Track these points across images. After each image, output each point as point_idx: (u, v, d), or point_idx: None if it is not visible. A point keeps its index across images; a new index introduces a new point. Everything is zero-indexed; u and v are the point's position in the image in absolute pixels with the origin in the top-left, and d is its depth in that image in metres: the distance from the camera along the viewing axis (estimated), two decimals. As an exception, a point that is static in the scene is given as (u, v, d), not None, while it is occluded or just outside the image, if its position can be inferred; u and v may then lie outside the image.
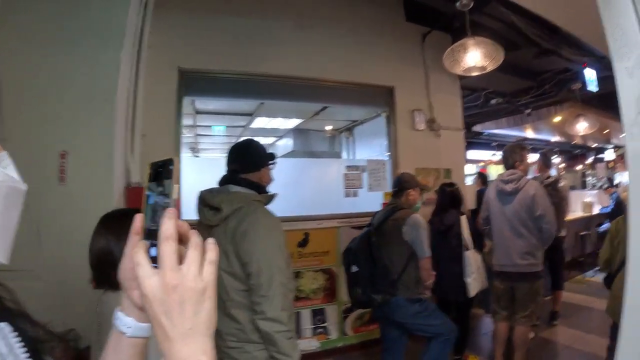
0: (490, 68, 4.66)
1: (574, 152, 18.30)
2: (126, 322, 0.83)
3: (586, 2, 2.32)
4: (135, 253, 0.71)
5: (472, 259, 4.56)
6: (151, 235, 0.73)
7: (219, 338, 2.35)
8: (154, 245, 0.71)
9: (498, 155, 14.91)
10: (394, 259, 3.88)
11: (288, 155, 9.08)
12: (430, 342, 3.85)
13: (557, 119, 9.72)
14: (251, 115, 7.78)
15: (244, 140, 2.79)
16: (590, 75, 7.13)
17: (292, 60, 5.39)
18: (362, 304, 4.10)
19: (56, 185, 3.04)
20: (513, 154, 4.48)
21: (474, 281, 4.54)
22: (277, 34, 5.33)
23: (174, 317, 0.67)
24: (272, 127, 8.88)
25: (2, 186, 0.72)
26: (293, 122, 8.60)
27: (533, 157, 5.81)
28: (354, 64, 5.79)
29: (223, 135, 9.55)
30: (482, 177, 8.44)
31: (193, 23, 4.91)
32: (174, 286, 0.67)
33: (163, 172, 0.76)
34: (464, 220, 4.72)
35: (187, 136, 8.94)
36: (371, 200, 5.76)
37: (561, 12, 4.20)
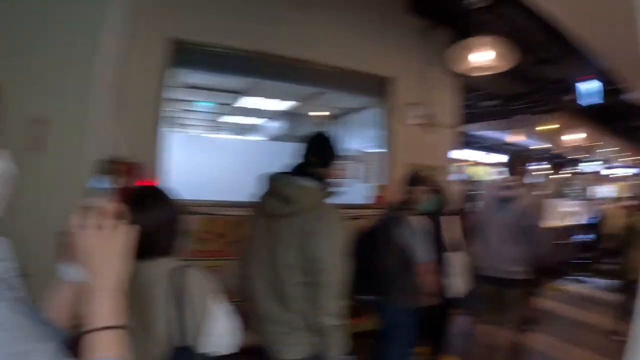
0: (495, 70, 4.59)
1: (555, 161, 18.49)
2: (64, 270, 1.17)
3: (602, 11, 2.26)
4: (74, 219, 1.01)
5: (456, 261, 4.45)
6: (89, 209, 1.02)
7: (270, 324, 2.51)
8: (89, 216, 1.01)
9: (485, 156, 15.03)
10: (386, 261, 3.71)
11: (279, 138, 8.96)
12: (390, 345, 3.78)
13: (547, 127, 9.77)
14: (243, 93, 7.59)
15: (320, 134, 2.77)
16: (584, 88, 7.13)
17: (289, 40, 5.21)
18: (360, 304, 3.89)
19: (30, 155, 2.76)
20: (518, 161, 4.44)
21: (455, 283, 4.44)
22: (278, 13, 5.14)
23: (94, 261, 0.99)
24: (265, 108, 8.66)
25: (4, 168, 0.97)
26: (286, 105, 8.38)
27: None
28: (352, 50, 5.64)
29: (209, 112, 9.36)
30: (469, 178, 8.44)
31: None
32: (94, 241, 0.99)
33: (106, 168, 1.17)
34: (453, 220, 4.62)
35: (171, 110, 8.63)
36: (360, 192, 5.67)
37: (576, 17, 4.10)
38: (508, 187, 4.31)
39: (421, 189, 3.93)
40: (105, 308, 0.97)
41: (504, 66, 4.57)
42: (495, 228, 4.33)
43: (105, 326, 0.95)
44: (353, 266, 3.62)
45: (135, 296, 1.58)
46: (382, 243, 3.72)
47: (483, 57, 4.48)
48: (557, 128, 9.81)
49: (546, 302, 7.14)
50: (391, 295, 3.64)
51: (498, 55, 4.50)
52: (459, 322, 5.06)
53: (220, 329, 1.81)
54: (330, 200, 2.53)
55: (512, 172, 4.41)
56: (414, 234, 3.68)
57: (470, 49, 4.47)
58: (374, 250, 3.74)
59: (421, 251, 3.66)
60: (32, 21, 2.79)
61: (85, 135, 2.89)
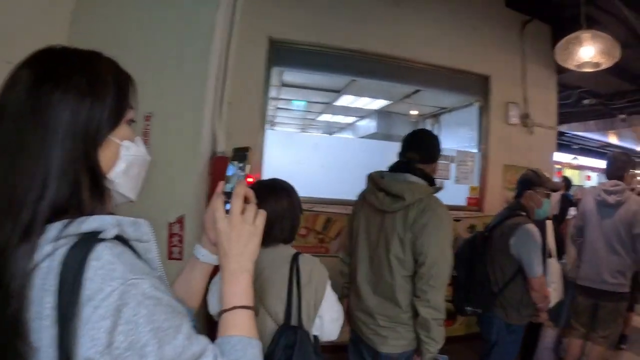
0: (605, 65, 4.38)
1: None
2: (202, 252, 1.26)
3: None
4: (216, 203, 1.10)
5: (554, 268, 4.19)
6: (228, 195, 1.10)
7: (371, 317, 2.58)
8: (228, 202, 1.09)
9: (579, 159, 14.44)
10: (496, 271, 3.44)
11: (369, 137, 8.94)
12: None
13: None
14: (338, 92, 7.60)
15: (424, 131, 2.96)
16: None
17: (386, 38, 5.18)
18: (458, 311, 3.68)
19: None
20: (623, 163, 4.16)
21: (554, 291, 4.21)
22: (372, 10, 5.12)
23: (232, 244, 1.06)
24: (356, 106, 8.65)
25: (138, 158, 1.04)
26: (379, 103, 8.35)
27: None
28: (449, 47, 5.54)
29: (301, 111, 9.47)
30: (566, 181, 8.11)
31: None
32: (235, 226, 1.06)
33: (242, 155, 1.16)
34: (549, 225, 4.36)
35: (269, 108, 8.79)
36: (457, 193, 5.57)
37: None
38: (615, 192, 4.04)
39: (542, 192, 3.55)
40: (239, 289, 1.05)
41: (610, 61, 4.36)
42: (600, 235, 4.08)
43: (239, 306, 1.03)
44: (460, 274, 3.56)
45: (257, 279, 1.86)
46: (497, 252, 3.45)
47: (592, 51, 4.29)
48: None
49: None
50: (500, 309, 3.39)
51: (604, 50, 4.30)
52: (548, 335, 4.90)
53: (332, 314, 1.98)
54: (436, 196, 2.55)
55: (617, 176, 4.12)
56: (534, 245, 3.31)
57: (581, 43, 4.28)
58: (484, 259, 3.50)
59: (538, 264, 3.29)
60: (148, 22, 2.96)
61: (196, 129, 3.05)
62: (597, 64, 4.37)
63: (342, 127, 11.16)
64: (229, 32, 3.46)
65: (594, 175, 17.29)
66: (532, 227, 3.33)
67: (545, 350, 5.20)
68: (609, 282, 3.98)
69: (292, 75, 6.61)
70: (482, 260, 3.48)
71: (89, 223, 0.84)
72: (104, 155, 0.95)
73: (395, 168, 2.67)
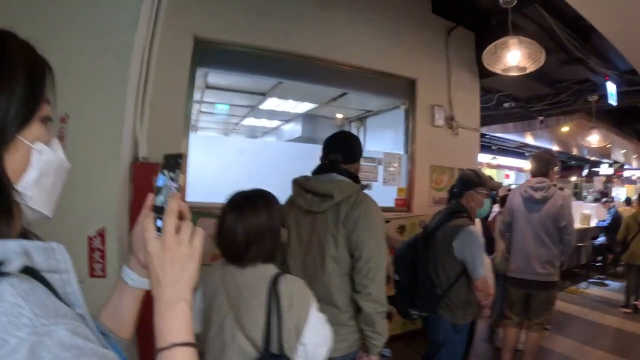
0: (530, 69, 4.51)
1: (569, 163, 18.42)
2: (131, 275, 1.08)
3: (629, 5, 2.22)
4: (145, 222, 0.94)
5: (486, 263, 4.29)
6: (159, 210, 0.96)
7: None
8: (159, 218, 0.94)
9: (498, 159, 14.96)
10: (440, 273, 3.41)
11: (294, 140, 8.86)
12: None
13: (565, 128, 9.71)
14: (264, 95, 7.40)
15: (344, 132, 2.95)
16: (611, 88, 7.10)
17: (313, 40, 5.11)
18: (403, 315, 3.64)
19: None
20: (547, 162, 4.41)
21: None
22: (300, 11, 5.03)
23: (166, 270, 0.90)
24: (282, 110, 8.48)
25: (54, 164, 0.87)
26: (304, 107, 8.25)
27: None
28: (377, 51, 5.55)
29: (225, 114, 9.23)
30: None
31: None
32: (169, 248, 0.90)
33: (174, 163, 0.99)
34: (477, 223, 4.42)
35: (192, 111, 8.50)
36: (385, 195, 5.53)
37: (601, 12, 4.03)
38: (541, 188, 4.29)
39: (482, 192, 3.57)
40: (176, 323, 0.89)
41: (535, 65, 4.49)
42: (529, 229, 4.34)
43: (178, 343, 0.87)
44: (402, 277, 3.53)
45: (235, 300, 1.86)
46: (440, 254, 3.41)
47: (519, 56, 4.39)
48: (577, 129, 9.76)
49: (565, 304, 7.49)
50: (445, 310, 3.37)
51: (530, 54, 4.42)
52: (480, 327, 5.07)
53: (317, 339, 1.89)
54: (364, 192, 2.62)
55: (543, 173, 4.38)
56: (477, 247, 3.32)
57: (508, 48, 4.38)
58: (427, 261, 3.44)
59: (481, 265, 3.29)
60: (64, 17, 2.66)
61: (116, 133, 2.81)
62: (523, 68, 4.50)
63: (266, 132, 11.02)
64: (153, 28, 3.22)
65: (511, 174, 18.14)
66: (474, 229, 3.38)
67: (481, 341, 5.33)
68: (540, 273, 4.26)
69: (216, 77, 6.38)
70: (425, 263, 3.44)
71: None
72: (10, 161, 0.76)
73: (319, 170, 2.72)
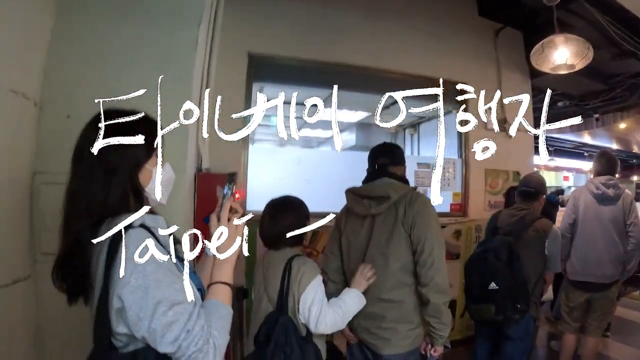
0: (579, 67, 4.48)
1: (630, 162, 17.77)
2: (209, 249, 1.58)
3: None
4: (212, 216, 1.59)
5: None
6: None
7: (368, 320, 2.68)
8: None
9: (556, 160, 14.60)
10: (531, 272, 3.54)
11: (349, 149, 8.93)
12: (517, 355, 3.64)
13: (623, 125, 9.43)
14: (314, 106, 7.43)
15: (385, 142, 3.12)
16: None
17: (362, 51, 5.25)
18: (491, 323, 3.52)
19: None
20: (614, 160, 4.37)
21: None
22: (349, 23, 5.19)
23: (222, 245, 1.50)
24: (335, 119, 8.46)
25: (164, 177, 1.47)
26: (358, 116, 8.37)
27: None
28: (425, 57, 5.60)
29: (281, 126, 9.36)
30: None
31: (263, 8, 4.79)
32: (224, 231, 1.50)
33: (230, 179, 1.67)
34: None
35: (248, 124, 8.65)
36: (437, 200, 5.53)
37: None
38: (612, 186, 4.19)
39: (544, 197, 3.88)
40: (223, 272, 1.54)
41: (583, 62, 4.46)
42: (597, 230, 4.20)
43: (222, 281, 1.53)
44: (502, 284, 3.49)
45: (266, 273, 2.57)
46: (533, 253, 3.60)
47: (567, 53, 4.38)
48: (635, 125, 9.48)
49: (626, 310, 6.93)
50: (532, 306, 3.51)
51: (577, 52, 4.39)
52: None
53: (307, 303, 2.39)
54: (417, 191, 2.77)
55: (609, 172, 4.29)
56: (559, 244, 3.69)
57: (555, 46, 4.36)
58: (519, 263, 3.41)
59: (560, 260, 3.74)
60: (130, 41, 2.87)
61: (182, 149, 3.00)
62: (571, 66, 4.47)
63: (321, 142, 11.12)
64: (210, 48, 3.44)
65: (570, 175, 17.59)
66: (558, 229, 3.67)
67: (543, 349, 5.24)
68: (606, 275, 4.13)
69: (270, 91, 6.58)
70: (521, 265, 3.43)
71: (130, 219, 1.34)
72: (142, 177, 1.51)
73: (370, 177, 2.87)
